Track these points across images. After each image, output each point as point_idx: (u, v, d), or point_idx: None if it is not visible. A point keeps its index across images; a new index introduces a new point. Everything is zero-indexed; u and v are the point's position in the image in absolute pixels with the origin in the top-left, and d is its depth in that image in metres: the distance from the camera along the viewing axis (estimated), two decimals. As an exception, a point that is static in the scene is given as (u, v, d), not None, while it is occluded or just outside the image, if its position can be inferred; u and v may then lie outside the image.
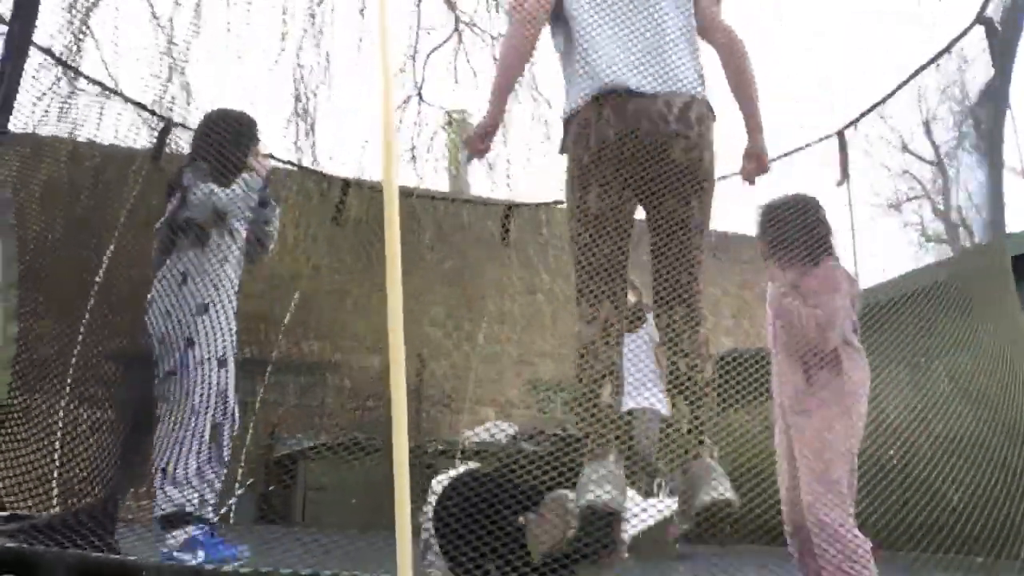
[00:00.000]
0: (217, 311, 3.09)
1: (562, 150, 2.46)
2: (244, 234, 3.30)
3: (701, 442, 2.16)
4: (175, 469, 2.89)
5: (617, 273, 2.30)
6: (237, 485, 6.34)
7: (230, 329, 3.15)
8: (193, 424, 2.94)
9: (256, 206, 3.32)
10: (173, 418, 2.95)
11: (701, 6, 2.52)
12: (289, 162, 6.18)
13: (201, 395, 2.98)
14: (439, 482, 2.83)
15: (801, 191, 3.12)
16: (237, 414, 3.21)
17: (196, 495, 2.90)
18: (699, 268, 2.35)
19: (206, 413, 2.99)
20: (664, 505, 2.10)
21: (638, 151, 2.25)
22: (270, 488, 6.95)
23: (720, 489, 2.06)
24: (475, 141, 2.51)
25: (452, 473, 2.90)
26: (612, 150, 2.25)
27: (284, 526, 6.12)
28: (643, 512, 2.06)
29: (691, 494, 2.09)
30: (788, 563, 2.95)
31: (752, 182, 2.70)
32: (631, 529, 2.16)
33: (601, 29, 2.35)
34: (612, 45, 2.33)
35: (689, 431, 2.16)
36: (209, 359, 3.03)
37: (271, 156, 4.04)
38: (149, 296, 3.12)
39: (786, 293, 2.87)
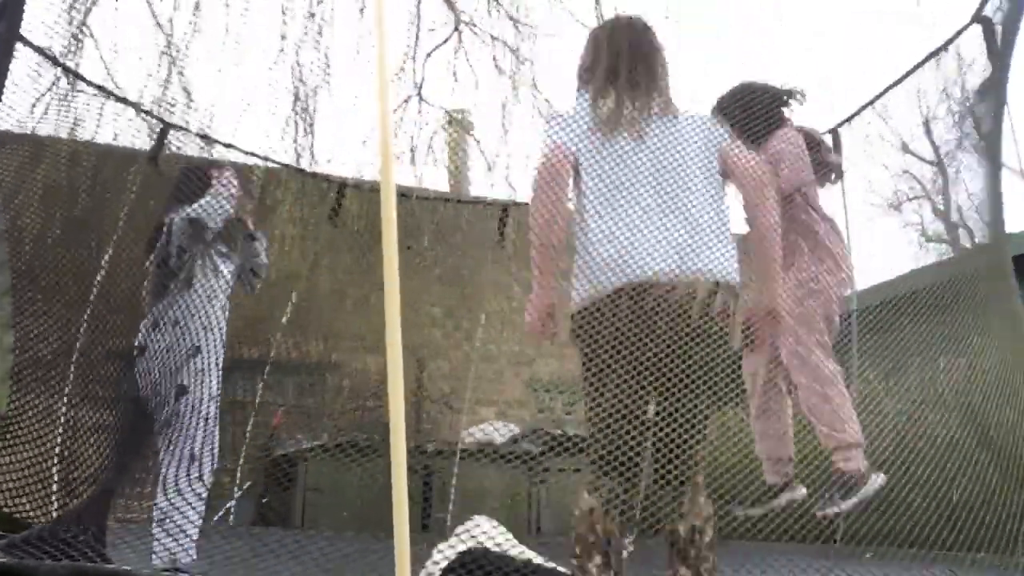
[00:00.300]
0: (209, 352, 3.20)
1: (572, 338, 2.29)
2: (228, 275, 3.42)
3: None
4: (174, 517, 2.99)
5: (631, 464, 2.18)
6: (236, 488, 6.34)
7: (218, 370, 3.26)
8: (196, 472, 3.06)
9: (245, 241, 3.52)
10: (172, 465, 3.04)
11: (723, 153, 2.36)
12: (288, 166, 6.17)
13: (198, 440, 3.10)
14: (436, 563, 2.84)
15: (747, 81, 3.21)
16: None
17: (190, 546, 3.00)
18: (703, 448, 2.26)
19: (205, 457, 3.11)
20: None
21: (656, 347, 2.14)
22: (264, 500, 6.92)
23: None
24: (535, 326, 2.34)
25: (450, 553, 2.91)
26: (628, 347, 2.14)
27: (283, 528, 6.11)
28: None
29: None
30: (789, 560, 2.94)
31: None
32: None
33: (618, 224, 2.21)
34: (632, 238, 2.19)
35: None
36: (203, 401, 3.14)
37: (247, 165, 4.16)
38: (137, 342, 3.19)
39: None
